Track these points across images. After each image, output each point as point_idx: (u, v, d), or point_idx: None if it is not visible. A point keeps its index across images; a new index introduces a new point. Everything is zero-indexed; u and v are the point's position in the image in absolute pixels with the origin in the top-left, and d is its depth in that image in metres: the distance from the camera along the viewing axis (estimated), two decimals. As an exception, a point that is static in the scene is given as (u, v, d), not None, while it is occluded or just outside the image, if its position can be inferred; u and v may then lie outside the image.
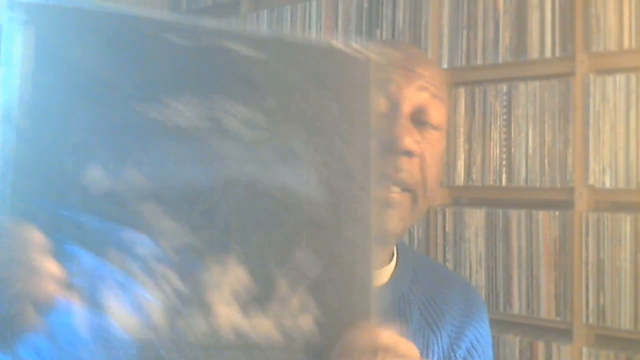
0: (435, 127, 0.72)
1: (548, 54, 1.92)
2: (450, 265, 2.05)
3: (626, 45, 1.77)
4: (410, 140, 0.67)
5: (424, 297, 0.79)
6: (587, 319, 1.80)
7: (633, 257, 1.74)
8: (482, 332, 0.80)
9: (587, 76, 1.83)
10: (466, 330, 0.79)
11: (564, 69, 1.91)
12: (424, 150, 0.70)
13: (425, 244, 2.13)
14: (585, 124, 1.83)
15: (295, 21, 2.52)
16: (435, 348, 0.76)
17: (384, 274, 0.77)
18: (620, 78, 1.78)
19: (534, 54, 1.94)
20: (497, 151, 1.99)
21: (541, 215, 1.89)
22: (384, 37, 2.27)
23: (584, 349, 1.79)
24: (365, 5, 2.33)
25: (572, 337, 1.83)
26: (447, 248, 2.07)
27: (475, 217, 2.01)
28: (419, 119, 0.70)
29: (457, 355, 0.77)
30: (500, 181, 1.98)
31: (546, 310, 1.88)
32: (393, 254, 0.80)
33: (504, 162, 1.97)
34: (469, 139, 2.05)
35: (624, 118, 1.77)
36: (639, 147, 1.75)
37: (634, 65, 1.79)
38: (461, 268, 2.03)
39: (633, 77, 1.76)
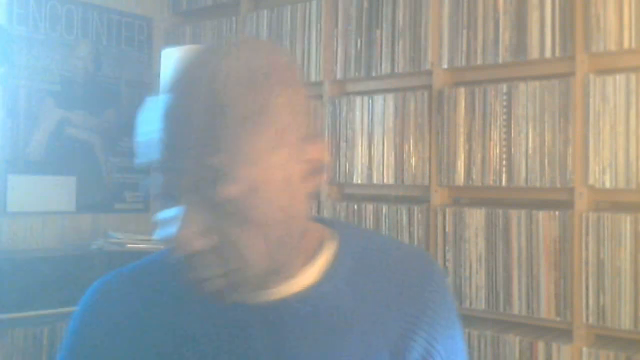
0: None
1: (548, 54, 1.92)
2: (450, 265, 2.05)
3: (626, 45, 1.77)
4: None
5: (364, 303, 0.74)
6: (587, 319, 1.80)
7: (633, 257, 1.74)
8: (436, 336, 0.74)
9: (587, 76, 1.83)
10: (416, 336, 0.73)
11: (564, 69, 1.91)
12: None
13: (425, 244, 2.13)
14: (585, 124, 1.83)
15: (295, 21, 2.52)
16: None
17: (304, 276, 0.73)
18: (620, 78, 1.78)
19: (534, 54, 1.94)
20: (497, 151, 1.99)
21: (541, 215, 1.89)
22: (383, 37, 2.27)
23: (584, 349, 1.79)
24: (365, 5, 2.33)
25: (572, 337, 1.83)
26: (447, 248, 2.07)
27: (475, 217, 2.01)
28: None
29: None
30: (500, 181, 1.98)
31: (546, 310, 1.88)
32: (319, 247, 0.76)
33: (504, 162, 1.97)
34: (469, 139, 2.05)
35: (624, 118, 1.77)
36: (639, 147, 1.75)
37: (634, 65, 1.79)
38: (461, 268, 2.04)
39: (633, 77, 1.76)
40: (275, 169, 0.65)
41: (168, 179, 0.65)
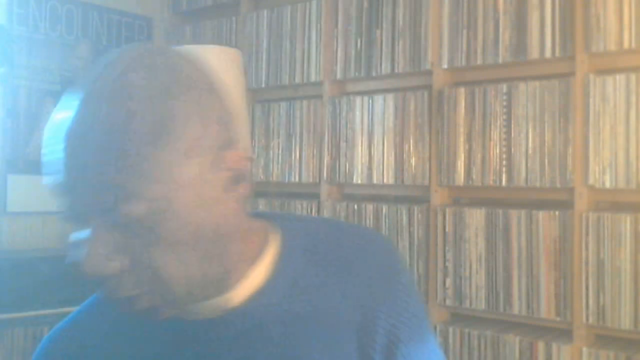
0: None
1: (548, 54, 1.92)
2: (450, 265, 2.05)
3: (626, 45, 1.77)
4: None
5: (318, 293, 0.72)
6: (587, 319, 1.80)
7: (633, 257, 1.74)
8: (399, 310, 0.73)
9: (587, 76, 1.83)
10: (380, 313, 0.72)
11: (564, 69, 1.91)
12: None
13: (425, 244, 2.13)
14: (585, 124, 1.83)
15: (295, 21, 2.52)
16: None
17: (252, 277, 0.71)
18: (620, 78, 1.78)
19: (534, 54, 1.94)
20: (497, 151, 1.99)
21: (541, 215, 1.89)
22: (383, 37, 2.27)
23: (584, 349, 1.79)
24: (365, 5, 2.33)
25: (572, 337, 1.83)
26: (447, 248, 2.07)
27: (475, 217, 2.01)
28: None
29: (376, 352, 0.72)
30: (500, 181, 1.98)
31: (546, 310, 1.88)
32: (264, 248, 0.74)
33: (504, 162, 1.97)
34: (469, 139, 2.05)
35: (624, 118, 1.77)
36: (639, 147, 1.75)
37: (634, 65, 1.79)
38: (461, 268, 2.03)
39: (633, 77, 1.76)
40: (186, 183, 0.61)
41: (71, 200, 0.62)
